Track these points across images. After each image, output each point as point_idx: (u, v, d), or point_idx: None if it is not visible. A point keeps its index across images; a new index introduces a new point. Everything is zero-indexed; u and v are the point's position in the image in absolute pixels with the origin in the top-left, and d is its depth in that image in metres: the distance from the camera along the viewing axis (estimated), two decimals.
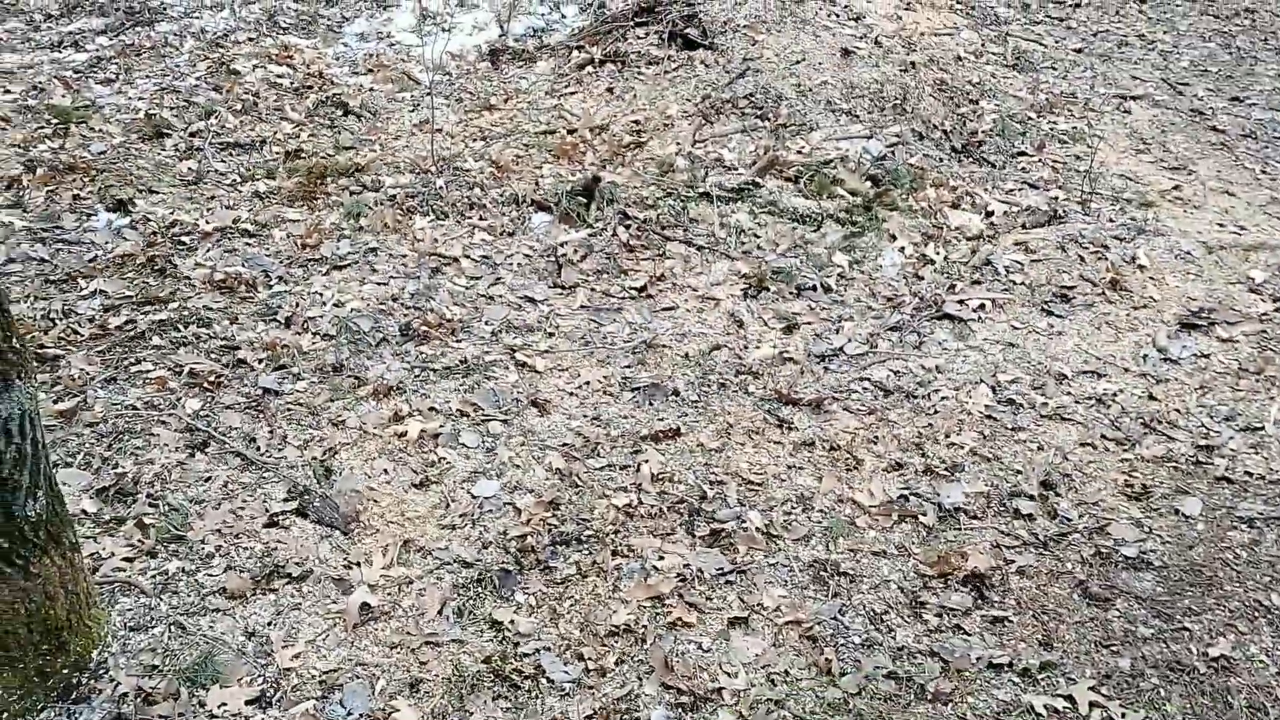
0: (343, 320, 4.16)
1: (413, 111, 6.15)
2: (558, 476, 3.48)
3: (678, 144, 5.55)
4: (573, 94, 6.22)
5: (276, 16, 7.35)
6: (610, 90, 6.16)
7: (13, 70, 6.44)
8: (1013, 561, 3.28)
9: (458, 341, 4.13)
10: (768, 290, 4.55)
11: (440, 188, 5.11)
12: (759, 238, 4.88)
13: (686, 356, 4.13)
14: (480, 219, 4.96)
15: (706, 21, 6.45)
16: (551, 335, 4.22)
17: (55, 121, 5.75)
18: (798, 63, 6.17)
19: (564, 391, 3.90)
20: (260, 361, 3.93)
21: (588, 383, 3.94)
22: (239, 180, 5.31)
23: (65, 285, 4.37)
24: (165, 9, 7.37)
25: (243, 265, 4.54)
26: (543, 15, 7.15)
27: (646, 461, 3.54)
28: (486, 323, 4.26)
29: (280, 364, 3.92)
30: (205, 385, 3.77)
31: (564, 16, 7.14)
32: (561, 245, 4.74)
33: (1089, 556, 3.33)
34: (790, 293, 4.56)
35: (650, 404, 3.86)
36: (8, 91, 6.12)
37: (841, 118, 5.84)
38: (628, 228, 4.86)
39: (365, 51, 6.89)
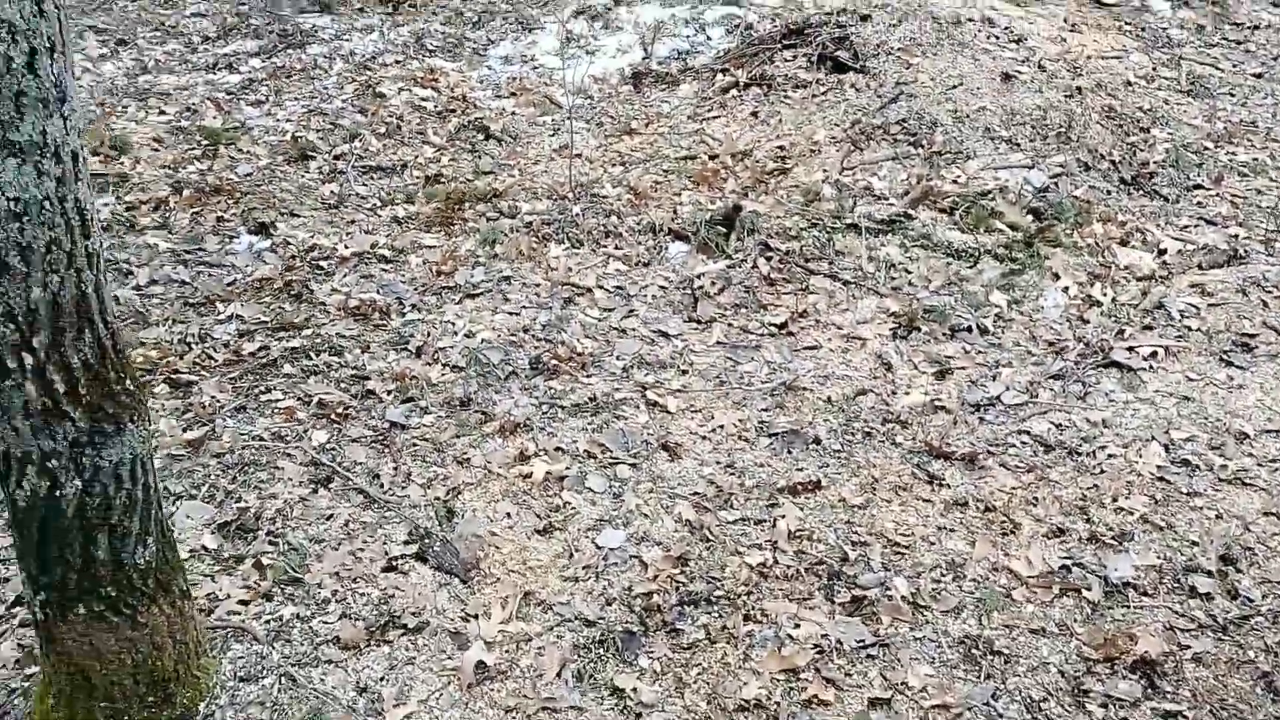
0: (473, 352, 4.05)
1: (553, 136, 6.06)
2: (687, 529, 3.28)
3: (824, 171, 5.31)
4: (715, 118, 6.04)
5: (424, 39, 7.38)
6: (755, 114, 5.96)
7: (169, 92, 6.60)
8: (1188, 647, 2.94)
9: (588, 377, 3.98)
10: (919, 330, 4.27)
11: (576, 215, 4.98)
12: (910, 273, 4.60)
13: (829, 401, 3.89)
14: (616, 248, 4.81)
15: (858, 44, 6.20)
16: (685, 373, 4.03)
17: (205, 143, 5.84)
18: (954, 87, 5.86)
19: (696, 435, 3.70)
20: (389, 393, 3.84)
21: (722, 426, 3.74)
22: (379, 204, 5.28)
23: (203, 309, 4.38)
24: (316, 31, 7.47)
25: (377, 292, 4.49)
26: (687, 37, 7.00)
27: (783, 516, 3.31)
28: (618, 358, 4.10)
29: (408, 396, 3.82)
30: (333, 417, 3.70)
31: (709, 38, 6.97)
32: (698, 277, 4.55)
33: (1274, 644, 2.96)
34: (943, 334, 4.27)
35: (789, 452, 3.63)
36: (163, 113, 6.27)
37: (1001, 146, 5.51)
38: (769, 259, 4.64)
39: (508, 75, 6.85)
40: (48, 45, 1.97)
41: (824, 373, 4.04)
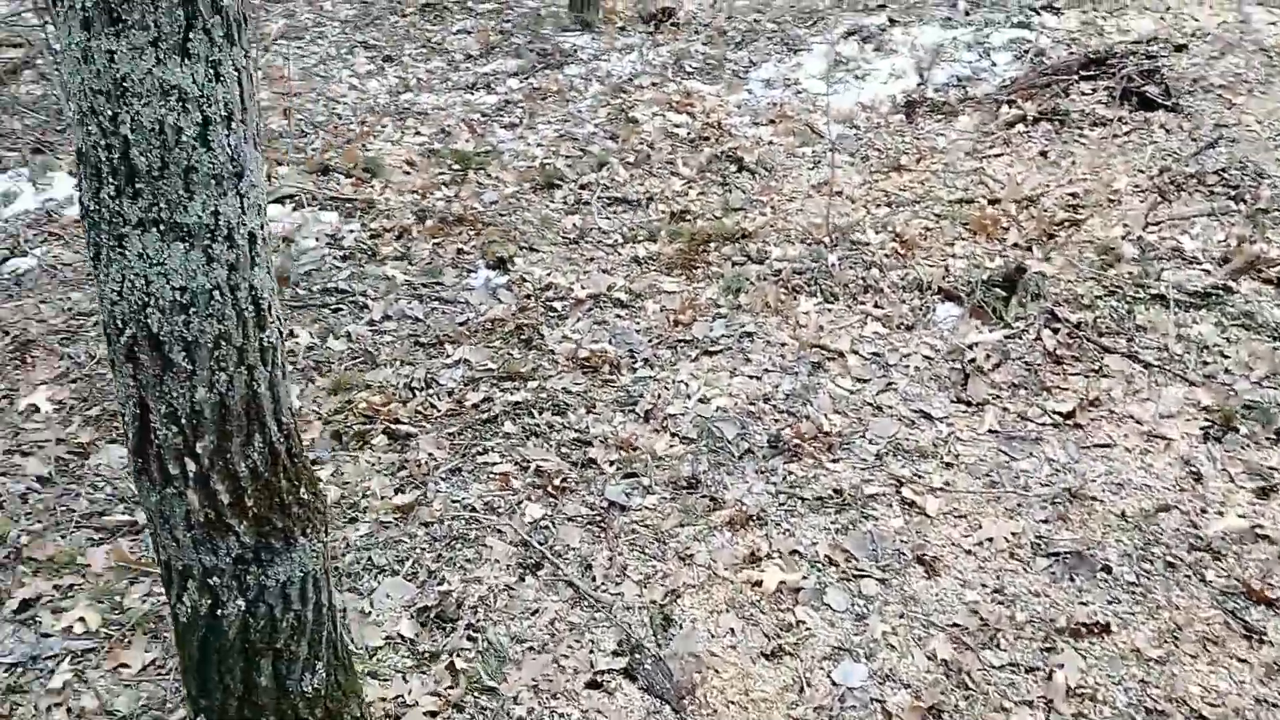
0: (706, 422, 3.66)
1: (812, 169, 5.59)
2: (943, 670, 2.76)
3: (1125, 226, 4.60)
4: (997, 156, 5.40)
5: (683, 60, 7.06)
6: (1043, 154, 5.29)
7: (427, 111, 6.55)
8: None
9: (833, 461, 3.50)
10: (1237, 432, 3.55)
11: (832, 264, 4.50)
12: (1227, 358, 3.87)
13: (1123, 516, 3.25)
14: (875, 305, 4.30)
15: (1170, 78, 5.41)
16: (949, 466, 3.48)
17: (455, 167, 5.71)
18: None
19: (959, 547, 3.16)
20: (611, 464, 3.50)
21: (990, 539, 3.18)
22: (620, 241, 4.97)
23: (433, 349, 4.18)
24: (575, 51, 7.29)
25: (610, 342, 4.16)
26: (969, 63, 6.36)
27: (1061, 666, 2.74)
28: (870, 441, 3.59)
29: (631, 470, 3.46)
30: (550, 489, 3.38)
31: (994, 64, 6.31)
32: (970, 348, 3.98)
33: None
34: (1267, 439, 3.53)
35: (1070, 580, 3.03)
36: (419, 133, 6.20)
37: None
38: (1055, 331, 4.01)
39: (769, 100, 6.42)
40: (224, 114, 1.70)
41: (1117, 479, 3.40)
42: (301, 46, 7.72)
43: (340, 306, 4.46)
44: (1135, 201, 4.76)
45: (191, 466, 1.84)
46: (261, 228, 1.82)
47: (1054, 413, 3.68)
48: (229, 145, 1.72)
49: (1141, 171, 4.96)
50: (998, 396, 3.78)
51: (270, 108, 6.57)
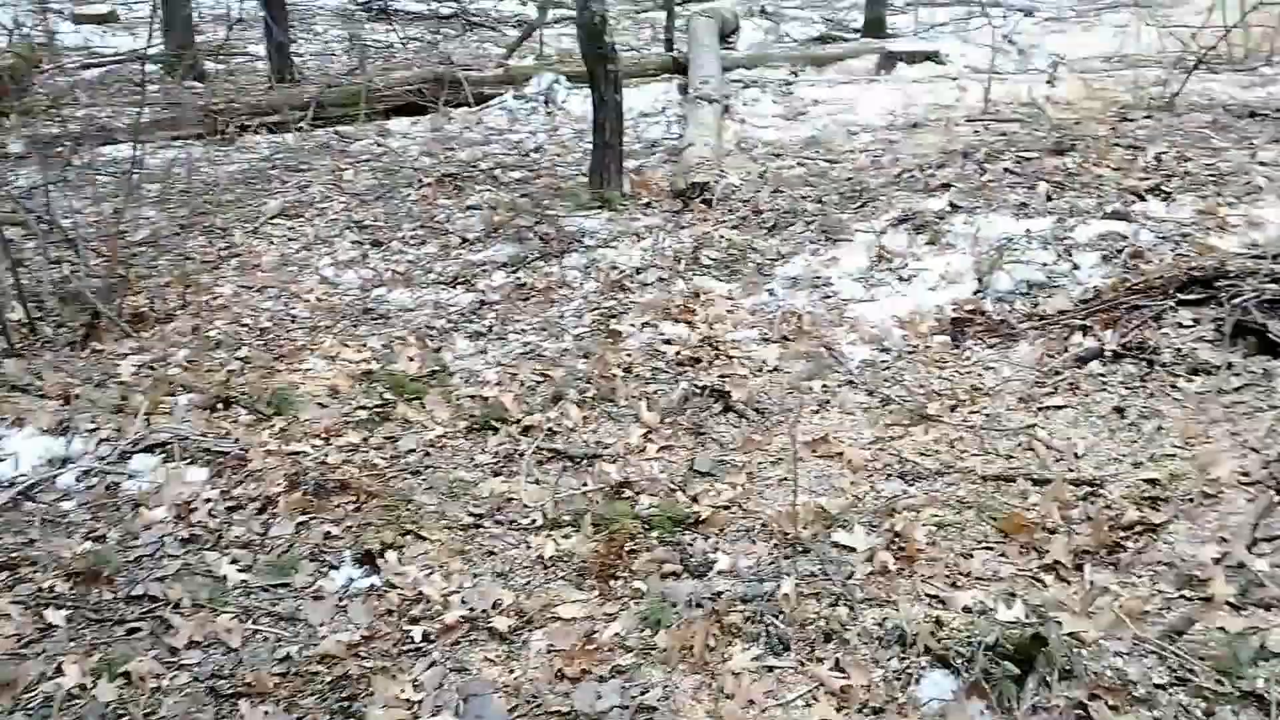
0: None
1: (816, 414, 4.33)
2: None
3: (1221, 542, 3.19)
4: (1059, 409, 4.06)
5: (703, 250, 5.92)
6: (1119, 411, 3.92)
7: (388, 315, 5.58)
8: None
9: None
10: None
11: (787, 594, 3.22)
12: None
13: None
14: (836, 665, 3.00)
15: None
16: None
17: (387, 397, 4.68)
18: None
19: None
20: None
21: None
22: (537, 524, 3.80)
23: (227, 705, 3.07)
24: (584, 236, 6.25)
25: (457, 711, 2.98)
26: (1043, 265, 5.01)
27: None
28: None
29: None
30: None
31: (1076, 267, 4.95)
32: None
33: None
34: None
35: None
36: (364, 347, 5.21)
37: None
38: None
39: (787, 306, 5.20)
40: None
41: None
42: (295, 227, 6.93)
43: (140, 624, 3.40)
44: (1241, 500, 3.35)
45: None
46: None
47: None
48: None
49: (1255, 451, 3.54)
50: None
51: (223, 308, 5.72)
